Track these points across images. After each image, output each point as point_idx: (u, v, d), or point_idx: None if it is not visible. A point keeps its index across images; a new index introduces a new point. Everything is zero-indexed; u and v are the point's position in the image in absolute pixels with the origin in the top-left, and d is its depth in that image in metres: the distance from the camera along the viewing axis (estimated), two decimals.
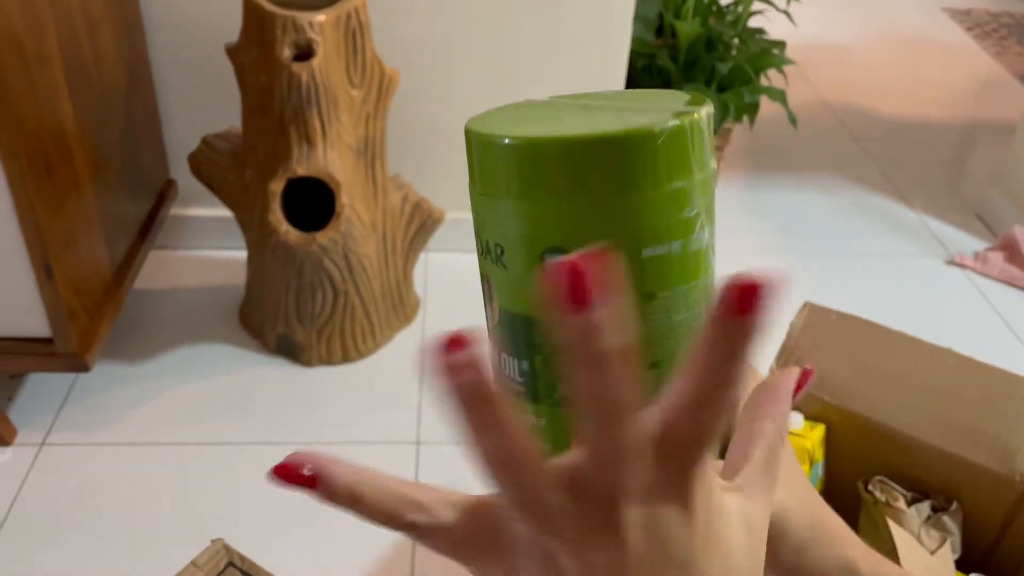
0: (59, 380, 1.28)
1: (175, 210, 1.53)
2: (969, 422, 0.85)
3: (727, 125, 1.67)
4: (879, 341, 0.91)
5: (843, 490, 0.93)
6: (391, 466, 1.18)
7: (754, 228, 1.77)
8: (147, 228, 1.35)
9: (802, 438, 0.87)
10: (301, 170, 1.14)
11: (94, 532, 1.06)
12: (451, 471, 1.18)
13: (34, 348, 1.07)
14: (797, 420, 0.89)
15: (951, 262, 1.69)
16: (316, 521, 1.10)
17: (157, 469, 1.15)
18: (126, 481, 1.13)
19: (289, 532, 1.08)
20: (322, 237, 1.16)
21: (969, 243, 1.75)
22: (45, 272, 1.01)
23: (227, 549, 0.66)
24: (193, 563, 0.64)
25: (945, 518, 0.84)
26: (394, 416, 1.27)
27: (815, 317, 0.95)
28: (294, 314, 1.30)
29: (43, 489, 1.11)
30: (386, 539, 1.07)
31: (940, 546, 0.80)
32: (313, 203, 1.21)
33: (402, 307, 1.42)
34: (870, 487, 0.86)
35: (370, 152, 1.25)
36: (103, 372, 1.30)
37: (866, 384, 0.89)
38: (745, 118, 1.62)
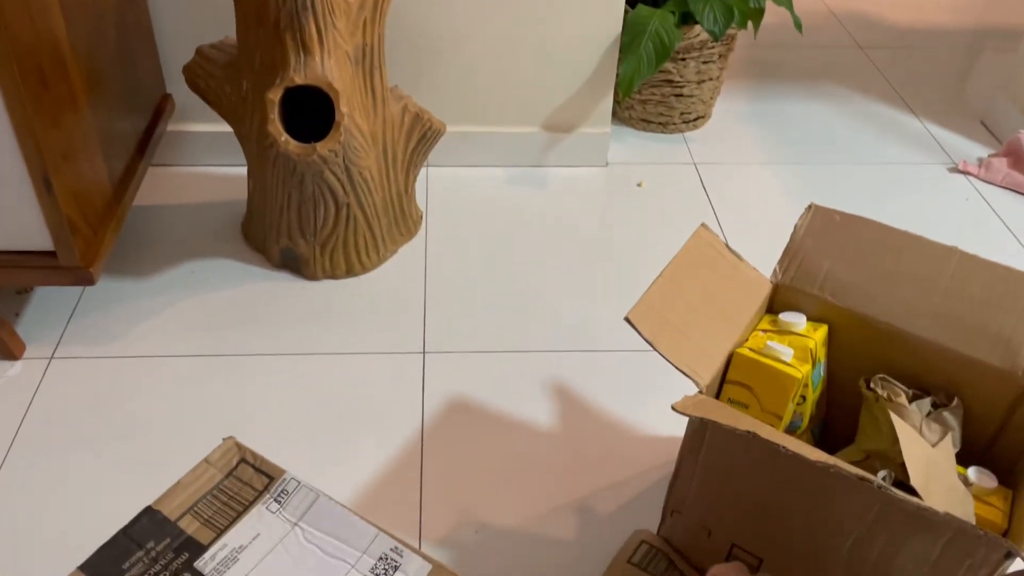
0: (65, 295, 1.28)
1: (173, 126, 1.51)
2: (972, 319, 0.85)
3: (731, 31, 1.63)
4: (883, 240, 0.91)
5: (845, 389, 0.95)
6: (399, 375, 1.19)
7: (757, 137, 1.75)
8: (145, 143, 1.34)
9: (805, 338, 0.88)
10: (299, 79, 1.12)
11: (106, 443, 1.08)
12: (455, 380, 1.19)
13: (38, 261, 1.07)
14: (800, 320, 0.90)
15: (954, 169, 1.68)
16: (325, 430, 1.11)
17: (166, 381, 1.16)
18: (136, 393, 1.14)
19: (299, 441, 1.09)
20: (322, 147, 1.15)
21: (973, 150, 1.73)
22: (44, 185, 1.00)
23: (239, 447, 0.67)
24: (206, 460, 0.66)
25: (946, 414, 0.85)
26: (400, 327, 1.27)
27: (820, 218, 0.95)
28: (296, 228, 1.30)
29: (54, 402, 1.12)
30: (395, 445, 1.09)
31: (941, 439, 0.82)
32: (311, 121, 1.19)
33: (404, 221, 1.42)
34: (872, 385, 0.88)
35: (368, 61, 1.22)
36: (108, 288, 1.30)
37: (869, 283, 0.90)
38: (749, 24, 1.58)
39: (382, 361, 1.22)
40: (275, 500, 0.63)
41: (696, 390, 0.80)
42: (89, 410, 1.12)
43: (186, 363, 1.19)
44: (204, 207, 1.47)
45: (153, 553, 0.59)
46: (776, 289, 0.93)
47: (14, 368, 1.16)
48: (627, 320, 0.81)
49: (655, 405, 1.17)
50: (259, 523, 0.61)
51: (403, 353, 1.23)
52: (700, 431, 0.83)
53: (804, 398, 0.88)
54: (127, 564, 0.58)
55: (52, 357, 1.19)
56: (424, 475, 1.06)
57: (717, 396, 0.89)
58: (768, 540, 0.86)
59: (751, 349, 0.86)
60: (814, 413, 0.92)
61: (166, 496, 0.62)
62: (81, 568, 0.58)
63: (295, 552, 0.60)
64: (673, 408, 0.75)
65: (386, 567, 0.59)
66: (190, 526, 0.61)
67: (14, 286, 1.27)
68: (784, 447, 0.70)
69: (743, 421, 0.74)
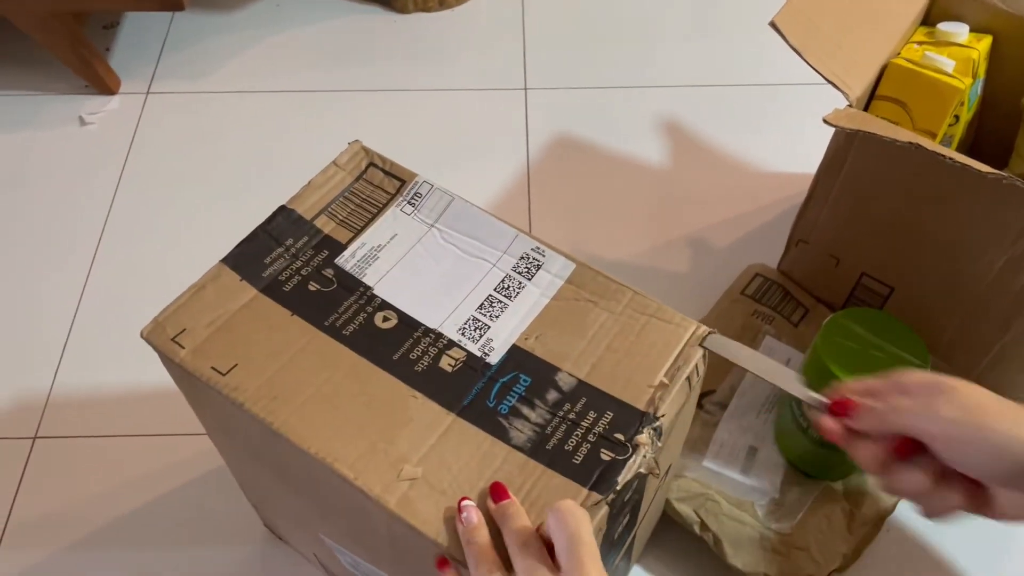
0: (153, 32, 1.24)
1: None
2: None
3: None
4: None
5: (997, 111, 0.87)
6: (499, 111, 1.14)
7: None
8: None
9: (967, 48, 0.79)
10: None
11: (210, 174, 1.07)
12: (560, 117, 1.14)
13: None
14: (962, 30, 0.80)
15: None
16: (426, 165, 1.08)
17: (262, 116, 1.13)
18: (234, 127, 1.12)
19: None
20: None
21: None
22: None
23: (366, 150, 0.64)
24: (335, 163, 0.63)
25: None
26: (498, 62, 1.21)
27: None
28: None
29: (156, 135, 1.11)
30: (499, 182, 1.06)
31: None
32: None
33: None
34: None
35: None
36: (194, 23, 1.25)
37: None
38: None
39: (481, 98, 1.16)
40: (408, 203, 0.60)
41: (845, 104, 0.74)
42: (192, 143, 1.10)
43: (283, 99, 1.16)
44: None
45: (293, 250, 0.58)
46: None
47: (112, 103, 1.15)
48: (772, 25, 0.73)
49: (775, 141, 1.10)
50: (395, 224, 0.59)
51: (503, 89, 1.17)
52: (844, 149, 0.77)
53: (957, 118, 0.81)
54: (268, 259, 0.57)
55: (148, 92, 1.16)
56: (532, 210, 1.03)
57: None
58: (902, 268, 0.82)
59: (907, 60, 0.77)
60: (963, 137, 0.85)
61: (299, 196, 0.60)
62: (224, 261, 0.57)
63: (434, 251, 0.58)
64: (825, 120, 0.68)
65: (528, 265, 0.57)
66: (326, 226, 0.59)
67: (101, 9, 1.23)
68: (951, 158, 0.64)
69: (902, 133, 0.68)
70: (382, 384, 0.52)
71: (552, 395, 0.51)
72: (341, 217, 0.60)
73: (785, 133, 1.11)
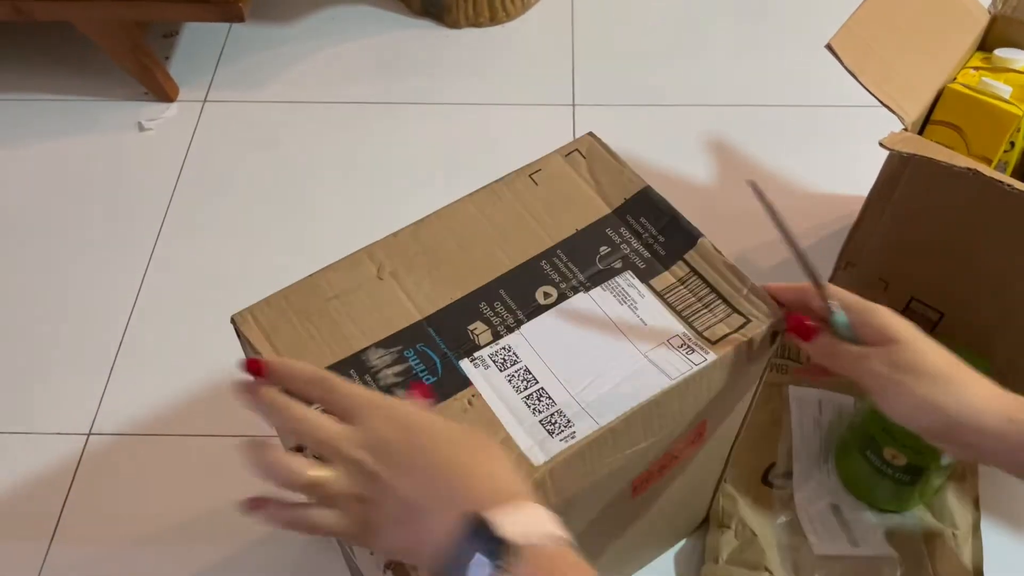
0: (210, 42, 1.27)
1: None
2: None
3: None
4: None
5: None
6: (548, 127, 1.15)
7: None
8: None
9: (1010, 105, 0.78)
10: None
11: (263, 181, 1.09)
12: (608, 134, 1.14)
13: None
14: (1019, 56, 0.80)
15: None
16: (477, 179, 1.10)
17: (316, 126, 1.16)
18: (288, 136, 1.14)
19: (454, 186, 1.08)
20: None
21: None
22: None
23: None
24: None
25: None
26: (547, 78, 1.22)
27: None
28: None
29: (211, 141, 1.14)
30: None
31: None
32: None
33: None
34: None
35: None
36: (250, 34, 1.28)
37: None
38: None
39: (530, 113, 1.18)
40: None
41: (900, 127, 0.74)
42: (246, 151, 1.13)
43: (332, 110, 1.18)
44: None
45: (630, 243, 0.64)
46: (993, 22, 0.83)
47: (170, 110, 1.17)
48: (828, 48, 0.73)
49: (824, 162, 1.10)
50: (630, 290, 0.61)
51: (552, 105, 1.19)
52: (897, 172, 0.77)
53: (1013, 144, 0.80)
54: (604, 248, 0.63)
55: (205, 100, 1.19)
56: None
57: None
58: (953, 293, 0.82)
59: (963, 85, 0.77)
60: (1018, 163, 0.85)
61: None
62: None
63: (586, 326, 0.59)
64: (881, 144, 0.69)
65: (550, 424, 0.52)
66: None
67: (164, 19, 1.26)
68: (1009, 185, 0.64)
69: (958, 159, 0.67)
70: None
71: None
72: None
73: (834, 155, 1.10)
